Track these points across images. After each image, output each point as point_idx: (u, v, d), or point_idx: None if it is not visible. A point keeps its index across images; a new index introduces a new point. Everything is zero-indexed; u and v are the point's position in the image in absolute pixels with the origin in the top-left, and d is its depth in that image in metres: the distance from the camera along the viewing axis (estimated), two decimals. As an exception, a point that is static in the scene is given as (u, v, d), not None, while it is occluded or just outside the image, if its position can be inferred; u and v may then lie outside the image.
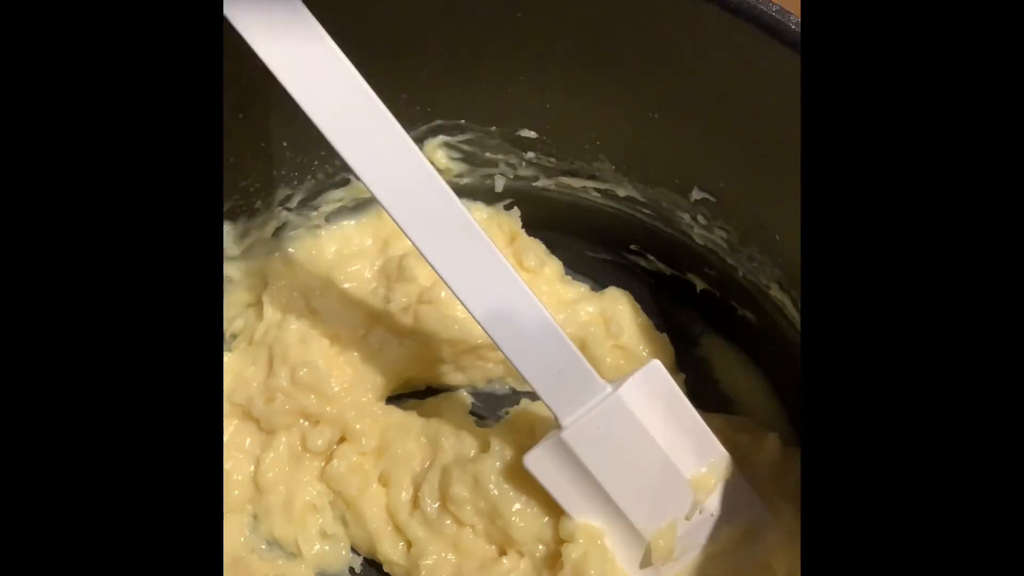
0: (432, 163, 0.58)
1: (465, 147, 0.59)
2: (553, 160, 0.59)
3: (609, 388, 0.49)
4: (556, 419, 0.49)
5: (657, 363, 0.50)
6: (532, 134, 0.57)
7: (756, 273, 0.57)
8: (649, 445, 0.50)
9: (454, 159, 0.60)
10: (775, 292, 0.57)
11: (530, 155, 0.59)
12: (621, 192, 0.59)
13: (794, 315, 0.56)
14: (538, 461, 0.50)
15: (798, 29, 0.42)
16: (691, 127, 0.51)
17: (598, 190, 0.60)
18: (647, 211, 0.60)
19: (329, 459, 0.58)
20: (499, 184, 0.62)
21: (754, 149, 0.49)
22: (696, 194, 0.56)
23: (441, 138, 0.58)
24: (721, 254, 0.59)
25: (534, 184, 0.61)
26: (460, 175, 0.61)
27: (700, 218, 0.57)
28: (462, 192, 0.62)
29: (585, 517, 0.52)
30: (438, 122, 0.56)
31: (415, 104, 0.54)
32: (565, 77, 0.51)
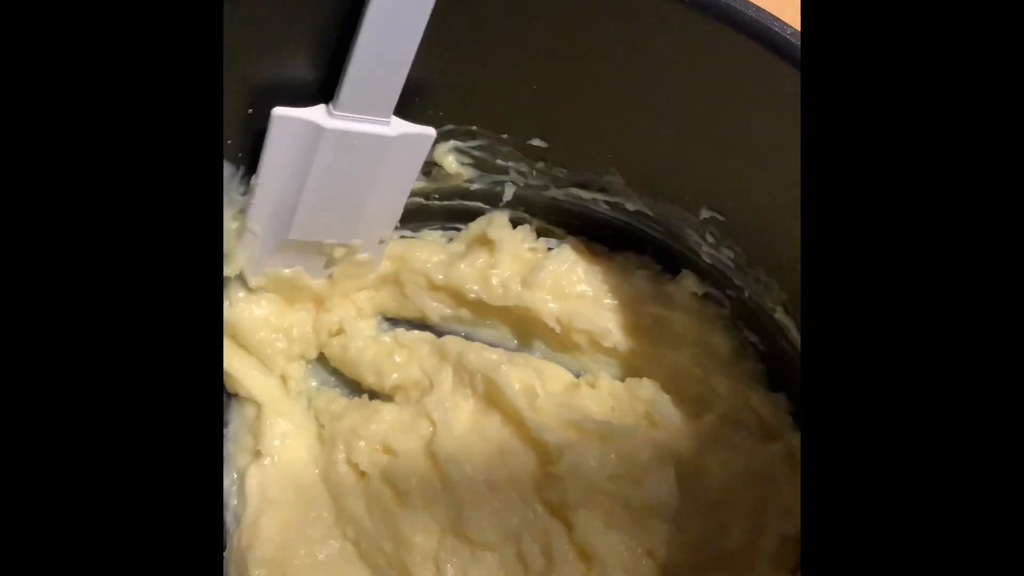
0: (443, 167, 0.59)
1: (476, 153, 0.59)
2: (563, 171, 0.59)
3: (391, 120, 0.51)
4: (331, 102, 0.49)
5: (432, 132, 0.53)
6: (543, 144, 0.57)
7: (762, 295, 0.57)
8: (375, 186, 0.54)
9: (464, 164, 0.59)
10: (780, 315, 0.56)
11: (540, 164, 0.59)
12: (631, 206, 0.59)
13: (796, 339, 0.56)
14: (284, 122, 0.49)
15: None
16: (703, 145, 0.51)
17: (608, 203, 0.60)
18: (656, 226, 0.60)
19: None
20: (508, 192, 0.62)
21: (762, 171, 0.49)
22: (705, 212, 0.55)
23: (452, 143, 0.58)
24: (728, 273, 0.58)
25: (544, 193, 0.61)
26: (471, 180, 0.61)
27: (708, 236, 0.57)
28: (472, 198, 0.63)
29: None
30: (449, 127, 0.56)
31: (427, 108, 0.54)
32: (577, 89, 0.51)
